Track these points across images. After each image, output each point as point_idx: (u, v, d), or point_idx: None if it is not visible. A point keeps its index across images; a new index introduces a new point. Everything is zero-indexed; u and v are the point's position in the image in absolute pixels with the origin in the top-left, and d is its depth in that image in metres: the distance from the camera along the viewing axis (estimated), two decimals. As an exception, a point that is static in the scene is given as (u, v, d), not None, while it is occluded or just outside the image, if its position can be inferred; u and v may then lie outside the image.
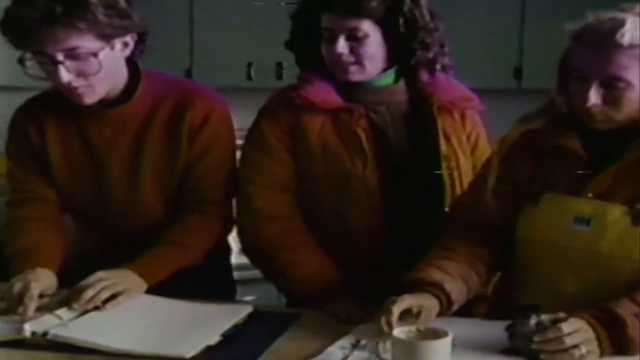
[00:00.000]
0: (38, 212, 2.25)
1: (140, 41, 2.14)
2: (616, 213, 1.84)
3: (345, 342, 1.79)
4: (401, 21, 2.16)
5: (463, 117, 2.30)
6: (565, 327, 1.68)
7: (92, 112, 2.15)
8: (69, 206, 2.32)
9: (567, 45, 1.89)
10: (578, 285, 1.84)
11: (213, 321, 1.91)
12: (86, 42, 1.97)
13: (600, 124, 1.85)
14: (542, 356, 1.69)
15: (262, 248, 2.22)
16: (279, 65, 3.84)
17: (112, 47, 2.04)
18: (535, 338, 1.69)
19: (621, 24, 1.77)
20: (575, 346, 1.66)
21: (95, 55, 2.00)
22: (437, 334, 1.62)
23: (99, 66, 2.01)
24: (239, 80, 4.17)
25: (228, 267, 2.53)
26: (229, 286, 2.53)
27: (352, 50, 2.14)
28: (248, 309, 2.01)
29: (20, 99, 2.28)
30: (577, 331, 1.68)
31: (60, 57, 1.98)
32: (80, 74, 2.01)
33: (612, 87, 1.79)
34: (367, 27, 2.13)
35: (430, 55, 2.23)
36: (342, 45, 2.13)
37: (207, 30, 4.31)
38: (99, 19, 1.96)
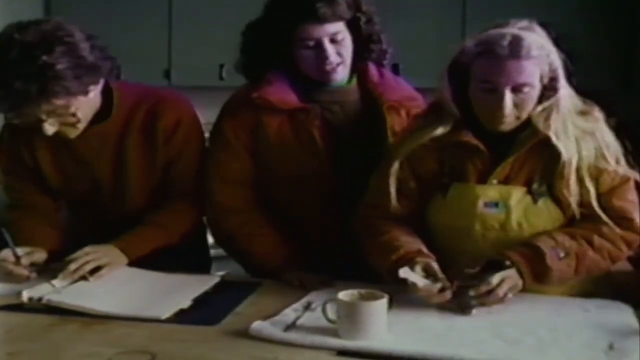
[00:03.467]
0: (31, 213, 2.31)
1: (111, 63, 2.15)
2: (518, 194, 1.97)
3: (298, 305, 1.87)
4: (363, 19, 2.23)
5: (409, 114, 2.31)
6: (494, 279, 1.83)
7: None
8: (65, 199, 2.38)
9: (457, 59, 1.95)
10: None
11: (185, 289, 1.98)
12: (62, 103, 2.02)
13: (507, 125, 1.93)
14: (473, 302, 1.82)
15: (224, 236, 2.29)
16: (248, 67, 3.92)
17: (87, 94, 2.07)
18: (471, 293, 1.81)
19: (523, 37, 1.87)
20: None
21: (74, 114, 2.07)
22: (375, 296, 1.69)
23: (76, 116, 2.08)
24: (212, 80, 4.20)
25: (204, 245, 2.58)
26: (204, 262, 2.59)
27: (337, 52, 2.19)
28: (216, 279, 2.09)
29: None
30: (503, 280, 1.85)
31: (43, 117, 2.03)
32: (62, 123, 2.08)
33: (520, 92, 1.88)
34: (343, 29, 2.19)
35: (384, 46, 2.31)
36: (330, 49, 2.17)
37: (184, 35, 4.37)
38: (71, 89, 1.99)
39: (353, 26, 2.23)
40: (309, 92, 2.26)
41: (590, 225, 1.97)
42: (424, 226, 2.07)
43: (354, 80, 2.33)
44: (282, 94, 2.22)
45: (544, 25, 1.96)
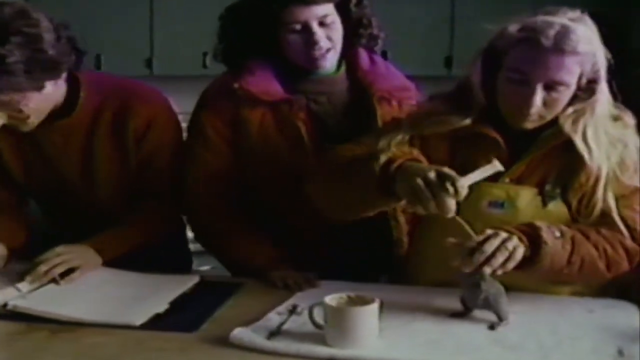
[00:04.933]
0: None
1: (78, 56, 2.00)
2: (528, 195, 1.83)
3: (283, 308, 1.76)
4: (353, 1, 2.10)
5: (400, 104, 2.17)
6: (486, 246, 1.63)
7: (41, 125, 2.05)
8: (31, 194, 2.27)
9: (494, 43, 1.79)
10: None
11: (162, 291, 1.87)
12: (7, 99, 1.88)
13: (531, 123, 1.78)
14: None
15: (204, 233, 2.18)
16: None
17: (40, 90, 1.92)
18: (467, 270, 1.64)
19: (573, 30, 1.71)
20: (501, 247, 1.63)
21: (20, 110, 1.93)
22: (365, 301, 1.59)
23: (23, 112, 1.94)
24: (195, 68, 4.12)
25: (184, 240, 2.47)
26: (185, 257, 2.48)
27: (327, 37, 2.05)
28: (195, 279, 1.97)
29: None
30: (492, 238, 1.65)
31: None
32: (11, 117, 1.94)
33: (553, 90, 1.73)
34: (332, 11, 2.05)
35: (375, 31, 2.18)
36: (319, 33, 2.03)
37: (166, 22, 4.33)
38: (19, 84, 1.84)
39: (342, 9, 2.08)
40: (293, 81, 2.12)
41: (589, 225, 1.81)
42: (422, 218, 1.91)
43: (343, 69, 2.19)
44: (265, 84, 2.08)
45: (595, 18, 1.78)
